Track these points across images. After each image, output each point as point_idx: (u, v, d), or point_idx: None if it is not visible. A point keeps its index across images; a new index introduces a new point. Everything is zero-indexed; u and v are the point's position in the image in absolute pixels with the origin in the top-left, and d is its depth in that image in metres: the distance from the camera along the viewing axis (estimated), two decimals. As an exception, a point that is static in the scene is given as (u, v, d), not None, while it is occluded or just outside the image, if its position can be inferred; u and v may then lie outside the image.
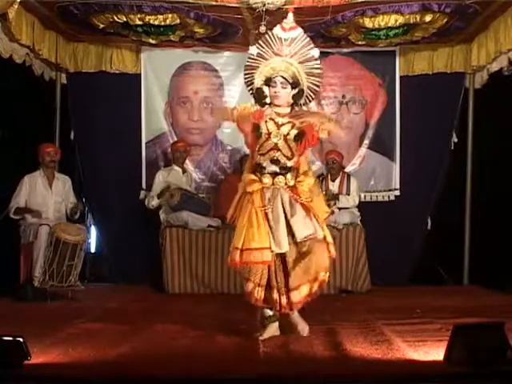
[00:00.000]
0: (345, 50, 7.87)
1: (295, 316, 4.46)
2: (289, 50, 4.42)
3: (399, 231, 7.69)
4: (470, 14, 6.66)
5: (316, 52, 4.46)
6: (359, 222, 7.34)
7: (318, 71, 4.48)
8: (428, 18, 6.64)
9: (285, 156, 4.36)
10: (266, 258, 4.23)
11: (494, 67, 7.21)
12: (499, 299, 6.27)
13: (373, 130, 8.03)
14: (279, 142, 4.36)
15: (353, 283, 7.11)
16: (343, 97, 8.06)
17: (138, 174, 7.92)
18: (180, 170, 7.54)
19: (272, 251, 4.26)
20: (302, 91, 4.44)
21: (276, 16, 6.06)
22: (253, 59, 4.45)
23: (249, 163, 4.54)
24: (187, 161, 7.75)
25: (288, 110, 4.45)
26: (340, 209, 7.31)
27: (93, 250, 7.95)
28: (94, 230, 8.01)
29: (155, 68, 7.98)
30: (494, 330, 3.51)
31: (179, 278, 7.01)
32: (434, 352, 3.80)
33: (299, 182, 4.40)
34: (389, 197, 7.99)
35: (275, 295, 4.30)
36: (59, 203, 6.88)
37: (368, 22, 6.71)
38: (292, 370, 3.60)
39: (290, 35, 4.44)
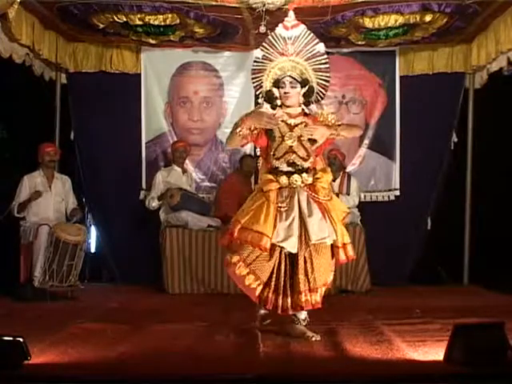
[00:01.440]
0: (345, 50, 7.86)
1: (300, 326, 4.41)
2: (294, 49, 4.38)
3: (399, 231, 7.69)
4: (470, 14, 6.66)
5: (321, 47, 4.42)
6: (359, 222, 7.34)
7: (326, 66, 4.43)
8: (428, 18, 6.64)
9: (301, 158, 4.33)
10: (263, 243, 4.14)
11: (494, 67, 7.21)
12: (499, 299, 6.27)
13: (373, 130, 8.02)
14: (294, 144, 4.33)
15: (353, 283, 7.11)
16: (343, 97, 8.06)
17: (137, 174, 7.92)
18: (180, 169, 7.54)
19: (273, 243, 4.17)
20: (311, 88, 4.40)
21: (276, 16, 6.07)
22: (259, 62, 4.42)
23: (264, 167, 4.48)
24: (187, 161, 7.75)
25: (299, 109, 4.41)
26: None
27: (93, 250, 7.94)
28: (93, 230, 8.00)
29: (155, 68, 7.98)
30: (494, 330, 3.51)
31: (179, 278, 7.01)
32: (434, 352, 3.80)
33: (317, 179, 4.36)
34: (389, 197, 7.99)
35: (274, 294, 4.23)
36: (59, 203, 6.88)
37: (368, 22, 6.71)
38: (292, 370, 3.60)
39: (293, 33, 4.40)
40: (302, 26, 4.46)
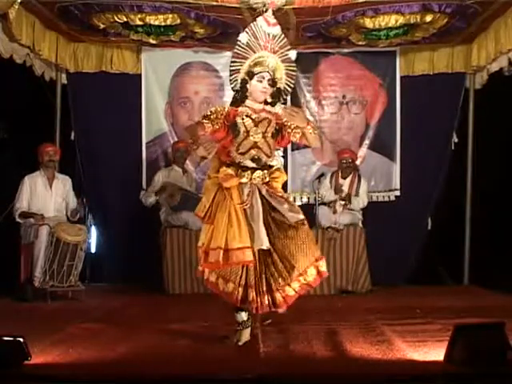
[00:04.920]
0: (345, 50, 7.87)
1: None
2: (272, 47, 4.36)
3: (399, 231, 7.68)
4: (471, 15, 6.66)
5: (293, 54, 4.43)
6: (360, 223, 7.34)
7: (294, 73, 4.45)
8: (428, 19, 6.63)
9: (265, 154, 4.29)
10: (248, 258, 4.10)
11: (494, 67, 7.21)
12: (499, 299, 6.27)
13: (373, 130, 8.02)
14: (258, 139, 4.28)
15: (353, 283, 7.11)
16: (344, 97, 8.06)
17: (138, 174, 7.92)
18: (180, 170, 7.55)
19: (253, 250, 4.12)
20: (279, 90, 4.39)
21: (276, 16, 6.05)
22: (242, 48, 4.35)
23: (215, 163, 4.35)
24: (187, 161, 7.75)
25: (262, 106, 4.36)
26: (344, 209, 7.32)
27: (93, 250, 7.94)
28: (94, 230, 8.01)
29: (155, 68, 7.97)
30: (495, 331, 3.51)
31: (179, 278, 7.02)
32: (435, 352, 3.80)
33: (274, 178, 4.34)
34: (389, 197, 7.99)
35: (252, 295, 4.15)
36: (59, 203, 6.88)
37: (368, 23, 6.71)
38: (292, 370, 3.61)
39: (273, 31, 4.38)
40: (279, 27, 4.44)
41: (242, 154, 4.27)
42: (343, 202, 7.26)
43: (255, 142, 4.28)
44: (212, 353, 4.02)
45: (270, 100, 4.37)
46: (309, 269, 4.18)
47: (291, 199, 4.46)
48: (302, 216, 4.24)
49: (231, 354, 3.99)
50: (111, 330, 4.72)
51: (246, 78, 4.32)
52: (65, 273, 6.37)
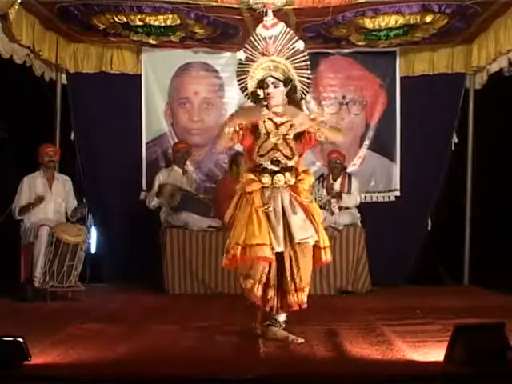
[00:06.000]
0: (345, 51, 7.87)
1: (280, 330, 4.40)
2: (274, 48, 4.38)
3: (399, 232, 7.69)
4: (471, 15, 6.66)
5: (301, 44, 4.42)
6: (359, 223, 7.34)
7: (307, 63, 4.44)
8: (428, 19, 6.64)
9: (285, 156, 4.31)
10: (267, 254, 4.17)
11: (494, 68, 7.21)
12: (499, 299, 6.27)
13: (373, 130, 8.02)
14: (279, 141, 4.31)
15: (353, 284, 7.11)
16: (343, 97, 8.06)
17: (138, 174, 7.92)
18: (180, 170, 7.55)
19: (273, 248, 4.20)
20: (294, 87, 4.41)
21: (276, 17, 6.05)
22: (242, 64, 4.44)
23: (246, 166, 4.49)
24: (187, 161, 7.76)
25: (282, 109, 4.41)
26: (341, 209, 7.32)
27: (93, 250, 7.94)
28: (94, 231, 8.01)
29: (155, 69, 7.98)
30: (495, 331, 3.51)
31: (179, 278, 7.02)
32: (434, 352, 3.80)
33: (300, 180, 4.36)
34: (389, 197, 7.99)
35: (270, 294, 4.24)
36: (59, 204, 6.87)
37: (368, 23, 6.71)
38: (292, 370, 3.61)
39: (272, 32, 4.40)
40: (281, 25, 4.47)
41: (262, 155, 4.32)
42: (334, 200, 7.28)
43: (275, 144, 4.32)
44: (212, 353, 4.02)
45: (286, 100, 4.39)
46: (305, 288, 4.31)
47: (314, 204, 4.45)
48: (308, 234, 4.27)
49: (231, 354, 3.99)
50: (111, 330, 4.72)
51: (255, 89, 4.40)
52: (65, 273, 6.37)
